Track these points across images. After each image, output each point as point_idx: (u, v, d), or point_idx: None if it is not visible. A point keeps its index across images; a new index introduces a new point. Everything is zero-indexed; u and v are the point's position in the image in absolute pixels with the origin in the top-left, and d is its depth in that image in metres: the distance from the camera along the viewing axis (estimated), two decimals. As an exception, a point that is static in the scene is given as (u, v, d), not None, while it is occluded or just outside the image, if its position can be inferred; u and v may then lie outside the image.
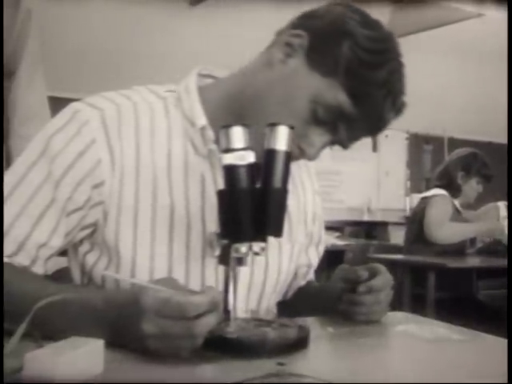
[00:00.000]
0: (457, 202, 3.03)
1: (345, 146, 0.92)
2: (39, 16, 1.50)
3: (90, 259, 0.90)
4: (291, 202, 0.98)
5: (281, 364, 0.66)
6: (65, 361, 0.56)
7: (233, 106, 0.90)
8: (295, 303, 1.08)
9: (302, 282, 1.10)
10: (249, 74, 0.92)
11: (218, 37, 4.73)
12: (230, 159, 0.75)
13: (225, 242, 0.78)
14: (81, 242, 0.90)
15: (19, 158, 0.88)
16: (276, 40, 0.92)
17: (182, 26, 4.70)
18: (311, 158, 0.90)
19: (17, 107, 1.47)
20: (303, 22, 0.90)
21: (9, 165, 1.45)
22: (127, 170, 0.86)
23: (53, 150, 0.84)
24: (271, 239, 0.83)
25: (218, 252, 0.79)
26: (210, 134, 0.89)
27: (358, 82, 0.85)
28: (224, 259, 0.79)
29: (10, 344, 0.55)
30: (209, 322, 0.67)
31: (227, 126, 0.76)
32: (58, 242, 0.85)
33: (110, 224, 0.86)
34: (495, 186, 3.64)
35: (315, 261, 1.12)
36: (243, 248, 0.76)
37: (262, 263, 0.96)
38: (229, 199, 0.76)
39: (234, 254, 0.77)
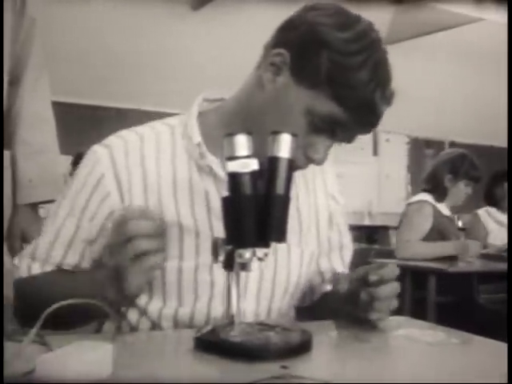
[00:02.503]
0: (444, 206, 3.00)
1: (348, 142, 0.95)
2: (42, 20, 1.53)
3: None
4: (303, 207, 1.03)
5: (284, 367, 0.67)
6: (75, 364, 0.58)
7: (230, 128, 0.92)
8: (319, 307, 1.09)
9: (328, 287, 1.10)
10: (243, 98, 0.97)
11: (220, 40, 4.76)
12: (234, 167, 0.77)
13: (229, 247, 0.79)
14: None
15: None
16: (262, 60, 0.95)
17: (184, 30, 4.73)
18: (319, 163, 0.94)
19: (22, 113, 1.48)
20: (282, 37, 0.92)
21: (13, 170, 1.48)
22: (135, 198, 0.94)
23: (75, 188, 0.97)
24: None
25: (222, 257, 0.81)
26: (204, 148, 0.96)
27: (342, 87, 0.87)
28: (228, 264, 0.80)
29: (26, 340, 0.57)
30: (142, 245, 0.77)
31: (231, 135, 0.78)
32: (86, 265, 0.96)
33: None
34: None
35: (339, 266, 1.13)
36: (247, 253, 0.78)
37: (271, 266, 0.99)
38: (233, 206, 0.78)
39: (237, 260, 0.79)
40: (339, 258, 1.13)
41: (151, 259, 0.78)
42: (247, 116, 0.94)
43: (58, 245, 0.96)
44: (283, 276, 1.01)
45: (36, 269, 0.96)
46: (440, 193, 2.97)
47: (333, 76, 0.87)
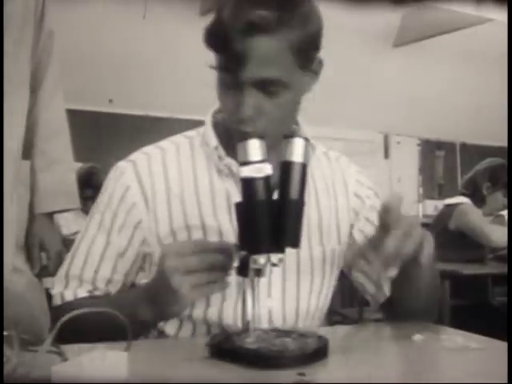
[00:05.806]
0: (480, 213, 2.96)
1: (263, 89, 0.90)
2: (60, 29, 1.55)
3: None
4: (325, 209, 1.05)
5: (301, 374, 0.67)
6: (89, 372, 0.57)
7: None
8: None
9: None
10: None
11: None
12: (247, 172, 0.77)
13: (243, 253, 0.79)
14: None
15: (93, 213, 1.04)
16: None
17: (192, 35, 4.73)
18: (247, 120, 0.90)
19: (39, 125, 1.52)
20: None
21: (32, 179, 1.50)
22: (159, 205, 0.98)
23: (102, 203, 1.01)
24: (302, 241, 0.87)
25: (236, 263, 0.80)
26: (222, 151, 0.99)
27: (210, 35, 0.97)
28: (243, 271, 0.80)
29: (41, 350, 0.57)
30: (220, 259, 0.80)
31: (244, 140, 0.77)
32: (119, 278, 1.01)
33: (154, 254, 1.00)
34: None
35: None
36: (261, 259, 0.77)
37: (294, 266, 1.01)
38: (247, 211, 0.77)
39: (252, 266, 0.78)
40: None
41: (215, 275, 0.81)
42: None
43: (90, 260, 0.99)
44: (307, 275, 1.03)
45: (72, 290, 0.99)
46: (478, 199, 2.95)
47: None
